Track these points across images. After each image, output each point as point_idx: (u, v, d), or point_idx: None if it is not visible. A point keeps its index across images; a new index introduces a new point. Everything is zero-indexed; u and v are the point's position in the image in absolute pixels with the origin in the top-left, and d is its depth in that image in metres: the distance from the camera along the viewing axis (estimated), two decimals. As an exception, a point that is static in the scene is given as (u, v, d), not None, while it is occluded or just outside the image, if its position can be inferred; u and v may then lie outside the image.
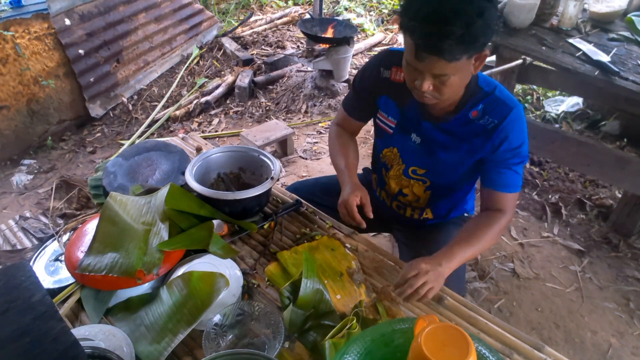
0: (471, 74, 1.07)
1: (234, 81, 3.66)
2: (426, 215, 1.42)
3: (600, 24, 2.20)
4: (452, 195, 1.36)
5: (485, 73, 3.25)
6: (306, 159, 3.01)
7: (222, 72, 3.87)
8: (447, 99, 1.09)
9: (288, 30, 4.68)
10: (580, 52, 1.98)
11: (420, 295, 1.00)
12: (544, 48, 2.05)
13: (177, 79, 3.75)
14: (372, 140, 1.51)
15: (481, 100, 1.14)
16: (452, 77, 1.01)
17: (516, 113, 1.13)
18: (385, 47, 4.08)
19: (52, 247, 1.18)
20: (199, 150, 1.60)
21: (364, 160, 2.79)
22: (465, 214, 1.48)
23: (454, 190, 1.34)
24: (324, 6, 4.27)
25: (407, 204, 1.41)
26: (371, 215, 1.21)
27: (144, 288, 1.06)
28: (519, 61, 2.93)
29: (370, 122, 1.39)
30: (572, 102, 3.29)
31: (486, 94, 1.14)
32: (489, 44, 1.02)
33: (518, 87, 3.41)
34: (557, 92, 3.46)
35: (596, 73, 1.86)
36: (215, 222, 1.22)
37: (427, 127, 1.22)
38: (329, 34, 3.90)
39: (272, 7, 5.24)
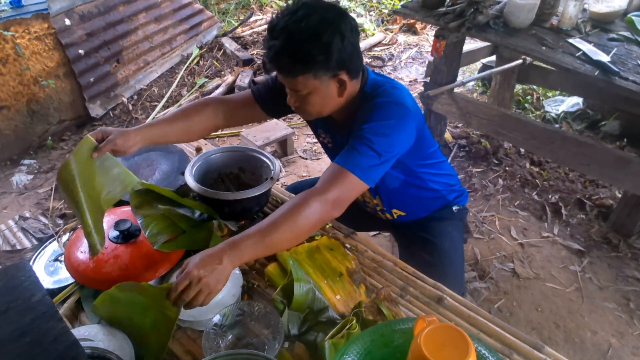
0: (336, 97, 1.11)
1: (234, 81, 3.66)
2: (399, 213, 1.43)
3: (600, 24, 2.20)
4: (402, 190, 1.35)
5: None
6: (306, 159, 3.01)
7: (222, 72, 3.87)
8: (316, 116, 1.16)
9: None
10: (580, 52, 1.98)
11: (186, 301, 0.87)
12: (544, 48, 2.05)
13: (177, 79, 3.75)
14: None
15: (363, 105, 1.15)
16: (310, 95, 1.07)
17: (378, 100, 1.12)
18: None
19: (52, 247, 1.18)
20: (198, 150, 1.60)
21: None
22: (455, 207, 1.46)
23: (396, 185, 1.33)
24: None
25: (374, 208, 1.45)
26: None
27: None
28: (519, 61, 2.93)
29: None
30: (572, 102, 3.29)
31: (371, 98, 1.13)
32: (341, 70, 1.05)
33: (518, 87, 3.41)
34: (557, 92, 3.46)
35: (596, 73, 1.86)
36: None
37: (341, 140, 1.27)
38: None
39: (272, 7, 5.24)
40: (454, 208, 1.46)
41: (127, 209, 1.20)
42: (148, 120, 3.28)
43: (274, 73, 1.11)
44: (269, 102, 1.29)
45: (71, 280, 1.07)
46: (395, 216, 1.44)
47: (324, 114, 1.16)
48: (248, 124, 3.39)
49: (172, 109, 3.41)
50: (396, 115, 1.09)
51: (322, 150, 3.06)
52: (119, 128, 1.10)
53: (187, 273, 0.87)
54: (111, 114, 3.43)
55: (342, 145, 1.12)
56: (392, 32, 4.75)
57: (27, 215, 1.33)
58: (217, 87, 3.63)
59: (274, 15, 1.04)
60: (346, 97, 1.12)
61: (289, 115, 3.46)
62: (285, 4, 1.08)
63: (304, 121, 3.37)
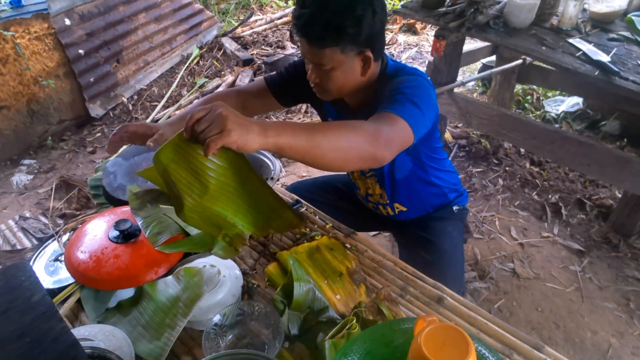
0: (359, 75, 1.10)
1: (234, 81, 3.66)
2: (400, 209, 1.43)
3: (600, 24, 2.20)
4: (407, 182, 1.35)
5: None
6: (306, 159, 3.01)
7: (222, 72, 3.87)
8: (336, 94, 1.13)
9: (288, 30, 4.68)
10: (580, 52, 1.98)
11: (197, 131, 0.75)
12: (544, 48, 2.05)
13: (177, 79, 3.75)
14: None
15: (385, 86, 1.14)
16: (333, 71, 1.06)
17: (406, 75, 1.12)
18: (385, 47, 4.06)
19: (52, 247, 1.18)
20: (199, 150, 1.60)
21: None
22: (455, 207, 1.47)
23: (402, 176, 1.34)
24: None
25: (377, 202, 1.44)
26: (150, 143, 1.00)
27: (143, 288, 1.06)
28: (519, 61, 2.93)
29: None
30: (572, 102, 3.29)
31: (391, 79, 1.14)
32: (368, 47, 1.04)
33: (518, 87, 3.41)
34: (557, 92, 3.46)
35: (596, 73, 1.86)
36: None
37: None
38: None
39: (272, 7, 5.24)
40: (454, 208, 1.46)
41: (126, 208, 1.20)
42: (148, 121, 3.28)
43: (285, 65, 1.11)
44: (283, 91, 1.29)
45: (71, 280, 1.07)
46: (396, 211, 1.44)
47: (343, 93, 1.14)
48: (261, 113, 3.39)
49: (172, 109, 3.41)
50: (427, 85, 1.09)
51: (322, 150, 3.06)
52: (151, 124, 1.09)
53: (212, 104, 0.77)
54: (111, 114, 3.43)
55: None
56: (392, 32, 4.75)
57: (27, 215, 1.33)
58: (217, 87, 3.62)
59: None
60: (367, 77, 1.12)
61: (289, 113, 3.47)
62: (290, 2, 1.06)
63: (304, 120, 3.37)
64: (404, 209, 1.43)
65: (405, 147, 1.00)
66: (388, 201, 1.41)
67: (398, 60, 1.24)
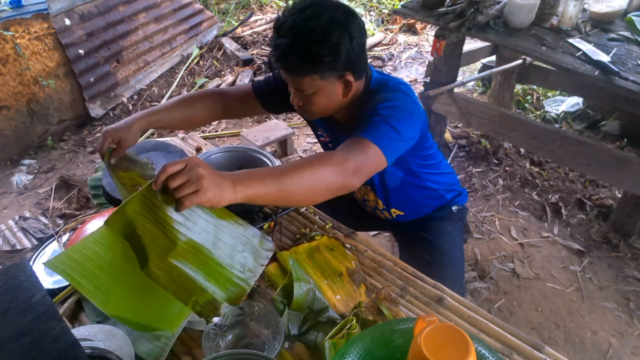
0: (341, 97, 1.10)
1: (234, 81, 3.66)
2: (398, 213, 1.43)
3: (600, 24, 2.20)
4: (401, 190, 1.35)
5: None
6: (306, 159, 3.01)
7: (222, 72, 3.87)
8: (320, 115, 1.14)
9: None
10: (580, 52, 1.98)
11: (171, 187, 0.73)
12: (544, 48, 2.05)
13: (177, 79, 3.75)
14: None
15: (369, 102, 1.14)
16: (314, 95, 1.06)
17: (389, 92, 1.11)
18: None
19: (52, 247, 1.18)
20: (198, 150, 1.60)
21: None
22: (454, 207, 1.47)
23: (395, 185, 1.33)
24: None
25: (374, 207, 1.45)
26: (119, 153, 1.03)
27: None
28: (519, 61, 2.93)
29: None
30: (572, 102, 3.29)
31: (375, 94, 1.13)
32: (347, 71, 1.04)
33: (518, 87, 3.41)
34: (557, 92, 3.46)
35: (596, 73, 1.86)
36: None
37: (341, 139, 1.25)
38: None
39: (272, 7, 5.24)
40: (454, 208, 1.46)
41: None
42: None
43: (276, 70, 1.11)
44: (269, 98, 1.29)
45: (71, 280, 1.07)
46: (394, 215, 1.44)
47: (327, 114, 1.15)
48: (247, 118, 3.39)
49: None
50: (408, 103, 1.08)
51: (322, 150, 3.06)
52: (118, 122, 1.09)
53: (189, 158, 0.76)
54: (111, 114, 3.43)
55: (338, 144, 1.10)
56: (392, 32, 4.75)
57: (27, 215, 1.33)
58: (217, 87, 3.63)
59: (280, 13, 1.02)
60: (350, 97, 1.12)
61: (289, 114, 3.46)
62: (290, 2, 1.05)
63: (304, 121, 3.37)
64: (402, 213, 1.43)
65: (378, 171, 1.02)
66: (384, 207, 1.42)
67: (380, 71, 1.23)
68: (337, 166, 0.90)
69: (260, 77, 3.61)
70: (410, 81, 3.94)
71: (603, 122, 3.09)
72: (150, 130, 3.23)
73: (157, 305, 0.85)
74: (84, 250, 0.79)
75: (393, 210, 1.42)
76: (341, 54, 0.99)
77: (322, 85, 1.04)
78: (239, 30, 4.47)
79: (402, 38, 4.65)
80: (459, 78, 2.74)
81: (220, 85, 3.64)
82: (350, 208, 1.58)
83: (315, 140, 3.18)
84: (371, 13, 5.10)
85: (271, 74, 1.30)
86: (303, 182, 0.86)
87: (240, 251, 0.88)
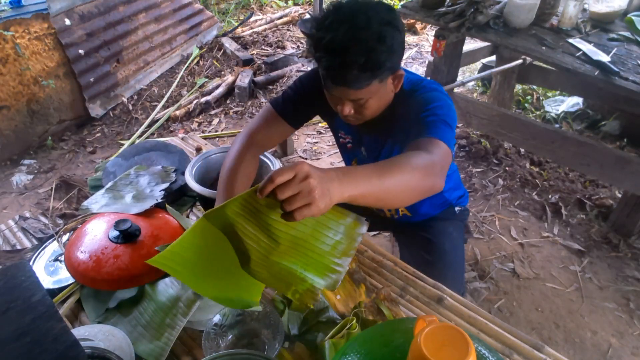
0: (392, 92, 1.09)
1: (234, 81, 3.66)
2: (405, 212, 1.43)
3: (600, 24, 2.20)
4: None
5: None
6: (306, 159, 3.01)
7: (222, 72, 3.87)
8: (370, 118, 1.11)
9: (288, 30, 4.68)
10: (580, 52, 1.98)
11: (280, 198, 0.68)
12: (544, 48, 2.05)
13: (177, 79, 3.75)
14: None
15: (403, 104, 1.13)
16: (369, 100, 1.03)
17: (428, 92, 1.11)
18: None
19: (52, 247, 1.18)
20: (198, 150, 1.60)
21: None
22: (457, 208, 1.47)
23: None
24: (324, 6, 4.27)
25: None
26: None
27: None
28: (519, 61, 2.94)
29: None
30: (572, 102, 3.29)
31: (410, 94, 1.13)
32: (399, 66, 1.02)
33: (518, 87, 3.41)
34: (557, 92, 3.46)
35: (596, 73, 1.86)
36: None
37: (366, 140, 1.26)
38: (329, 34, 3.89)
39: (272, 7, 5.24)
40: (456, 209, 1.47)
41: (127, 209, 1.20)
42: (148, 121, 3.28)
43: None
44: (294, 112, 1.24)
45: (71, 280, 1.07)
46: (400, 214, 1.44)
47: (377, 115, 1.12)
48: (247, 118, 3.39)
49: (172, 109, 3.40)
50: (450, 102, 1.09)
51: (322, 150, 3.06)
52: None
53: (297, 166, 0.69)
54: (111, 114, 3.43)
55: (368, 145, 1.10)
56: (392, 32, 4.74)
57: (27, 215, 1.33)
58: (217, 87, 3.63)
59: (315, 28, 0.96)
60: (388, 102, 1.10)
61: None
62: (326, 12, 0.98)
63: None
64: (409, 214, 1.43)
65: (449, 164, 1.00)
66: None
67: (404, 67, 1.21)
68: (427, 168, 0.89)
69: (260, 78, 3.62)
70: (410, 81, 3.93)
71: (603, 122, 3.09)
72: (150, 131, 3.23)
73: (245, 281, 0.89)
74: (183, 243, 0.81)
75: (401, 209, 1.42)
76: (396, 52, 0.98)
77: (379, 88, 1.02)
78: (239, 30, 4.47)
79: (402, 38, 4.65)
80: (459, 78, 2.74)
81: (220, 85, 3.63)
82: (350, 208, 1.57)
83: (315, 140, 3.18)
84: (371, 13, 5.10)
85: (288, 88, 1.26)
86: (401, 184, 0.83)
87: (336, 237, 0.86)
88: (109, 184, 1.32)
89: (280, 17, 4.80)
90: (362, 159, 1.32)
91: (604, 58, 1.90)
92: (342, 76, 0.96)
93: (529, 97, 3.46)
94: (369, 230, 1.97)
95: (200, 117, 3.45)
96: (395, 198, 0.85)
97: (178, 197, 1.36)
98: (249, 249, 0.81)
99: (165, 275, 1.08)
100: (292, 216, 0.69)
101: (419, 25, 4.77)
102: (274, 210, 0.75)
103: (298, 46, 4.33)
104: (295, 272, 0.84)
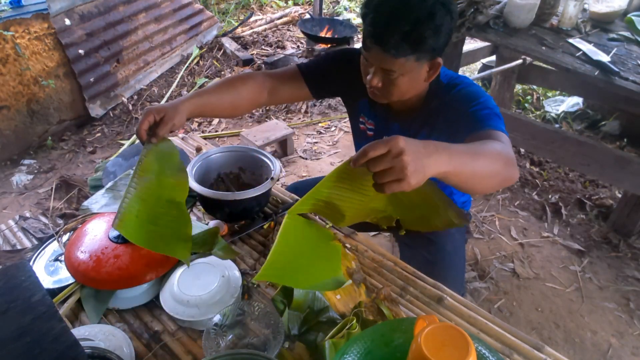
0: (424, 81, 1.07)
1: (234, 81, 3.66)
2: None
3: (600, 24, 2.20)
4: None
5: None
6: (306, 159, 3.01)
7: (222, 72, 3.87)
8: (396, 99, 1.09)
9: (288, 30, 4.68)
10: (580, 52, 1.98)
11: (372, 170, 0.70)
12: (544, 48, 2.05)
13: (177, 79, 3.75)
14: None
15: (442, 97, 1.13)
16: (400, 77, 1.02)
17: (470, 87, 1.12)
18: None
19: (52, 247, 1.18)
20: (198, 150, 1.60)
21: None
22: None
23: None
24: (324, 6, 4.27)
25: None
26: (161, 133, 1.00)
27: (142, 288, 1.06)
28: (519, 61, 2.94)
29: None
30: (572, 102, 3.29)
31: (448, 90, 1.13)
32: (440, 53, 1.02)
33: (518, 87, 3.41)
34: (557, 92, 3.46)
35: (596, 73, 1.86)
36: (215, 221, 1.22)
37: (394, 128, 1.24)
38: (329, 34, 3.90)
39: (272, 7, 5.24)
40: None
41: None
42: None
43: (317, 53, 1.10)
44: (318, 80, 1.24)
45: (71, 280, 1.07)
46: None
47: (404, 98, 1.11)
48: (247, 118, 3.39)
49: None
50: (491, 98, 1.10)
51: (322, 150, 3.06)
52: (162, 103, 1.04)
53: (392, 140, 0.69)
54: (111, 114, 3.43)
55: (397, 133, 1.09)
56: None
57: (27, 215, 1.33)
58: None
59: None
60: (419, 90, 1.10)
61: (289, 114, 3.46)
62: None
63: (304, 121, 3.37)
64: None
65: None
66: None
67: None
68: (507, 158, 0.89)
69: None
70: (410, 81, 3.94)
71: (603, 122, 3.09)
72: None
73: (326, 262, 0.98)
74: (277, 249, 0.87)
75: None
76: (442, 36, 0.97)
77: (413, 67, 1.00)
78: (239, 30, 4.47)
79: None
80: (459, 78, 2.74)
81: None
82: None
83: (315, 140, 3.18)
84: (371, 13, 5.10)
85: (318, 57, 1.26)
86: (489, 169, 0.84)
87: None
88: (109, 184, 1.32)
89: (280, 17, 4.80)
90: None
91: (604, 58, 1.90)
92: (383, 37, 0.96)
93: (529, 97, 3.46)
94: (369, 230, 1.98)
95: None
96: (480, 182, 0.85)
97: (178, 197, 1.36)
98: (343, 209, 0.90)
99: (164, 275, 1.08)
100: (382, 189, 0.71)
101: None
102: (368, 176, 0.78)
103: (298, 46, 4.33)
104: (377, 208, 0.96)
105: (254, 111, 3.50)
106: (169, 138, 1.09)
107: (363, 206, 0.92)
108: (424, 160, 0.71)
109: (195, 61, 3.98)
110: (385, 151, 0.69)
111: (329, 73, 1.22)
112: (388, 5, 0.94)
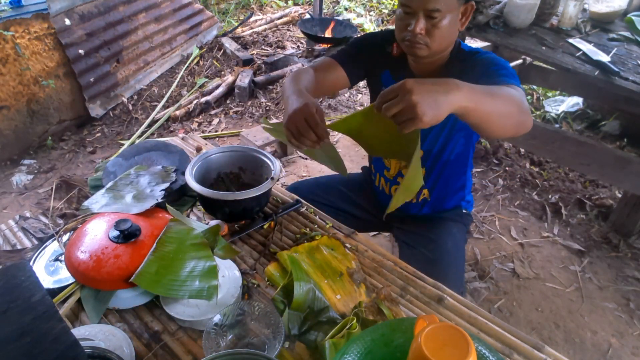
0: (457, 29, 1.15)
1: (234, 81, 3.66)
2: (424, 197, 1.43)
3: (600, 24, 2.20)
4: (444, 170, 1.37)
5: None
6: (306, 159, 3.01)
7: (222, 72, 3.87)
8: (437, 47, 1.14)
9: (288, 30, 4.68)
10: (580, 52, 1.98)
11: (387, 114, 0.77)
12: (544, 48, 2.05)
13: (177, 79, 3.75)
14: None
15: (465, 62, 1.20)
16: (442, 21, 1.08)
17: (490, 55, 1.18)
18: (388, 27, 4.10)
19: (52, 247, 1.18)
20: (199, 150, 1.60)
21: (363, 161, 2.79)
22: (464, 211, 1.49)
23: (446, 162, 1.36)
24: (324, 6, 4.27)
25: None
26: (324, 137, 0.94)
27: (142, 288, 1.06)
28: (519, 61, 2.94)
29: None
30: (572, 102, 3.29)
31: (470, 55, 1.20)
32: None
33: (518, 87, 3.41)
34: (557, 92, 3.46)
35: (596, 73, 1.86)
36: (215, 221, 1.22)
37: None
38: (329, 34, 3.90)
39: (272, 7, 5.24)
40: (463, 211, 1.48)
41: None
42: (148, 121, 3.28)
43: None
44: (353, 64, 1.32)
45: (71, 280, 1.07)
46: (419, 199, 1.45)
47: (442, 47, 1.15)
48: (247, 118, 3.39)
49: (172, 109, 3.40)
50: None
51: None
52: (299, 99, 0.98)
53: (400, 84, 0.76)
54: (111, 114, 3.43)
55: None
56: (392, 32, 4.75)
57: (27, 215, 1.33)
58: (217, 87, 3.63)
59: None
60: (453, 40, 1.17)
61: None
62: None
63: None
64: (428, 198, 1.44)
65: None
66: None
67: None
68: (522, 104, 0.92)
69: (260, 78, 3.61)
70: (410, 81, 3.94)
71: (603, 122, 3.09)
72: (150, 131, 3.23)
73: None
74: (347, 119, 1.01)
75: (424, 190, 1.42)
76: None
77: (454, 7, 1.08)
78: (239, 30, 4.47)
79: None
80: (459, 78, 2.74)
81: (220, 85, 3.63)
82: (351, 210, 1.58)
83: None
84: (371, 13, 5.10)
85: (346, 45, 1.35)
86: (505, 109, 0.88)
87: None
88: (109, 184, 1.32)
89: (280, 17, 4.80)
90: None
91: (604, 58, 1.90)
92: None
93: (529, 97, 3.46)
94: (369, 230, 1.98)
95: (200, 117, 3.45)
96: (497, 121, 0.88)
97: (178, 197, 1.36)
98: (372, 144, 1.09)
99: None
100: (400, 129, 0.77)
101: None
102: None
103: (298, 46, 4.33)
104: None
105: (253, 111, 3.50)
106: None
107: (390, 141, 1.03)
108: (438, 97, 0.75)
109: (195, 61, 3.98)
110: (395, 95, 0.75)
111: (357, 56, 1.32)
112: None
